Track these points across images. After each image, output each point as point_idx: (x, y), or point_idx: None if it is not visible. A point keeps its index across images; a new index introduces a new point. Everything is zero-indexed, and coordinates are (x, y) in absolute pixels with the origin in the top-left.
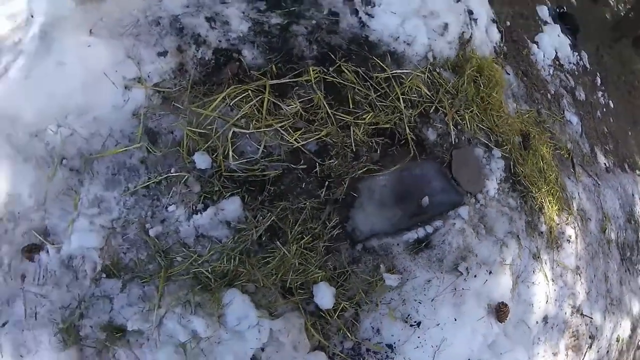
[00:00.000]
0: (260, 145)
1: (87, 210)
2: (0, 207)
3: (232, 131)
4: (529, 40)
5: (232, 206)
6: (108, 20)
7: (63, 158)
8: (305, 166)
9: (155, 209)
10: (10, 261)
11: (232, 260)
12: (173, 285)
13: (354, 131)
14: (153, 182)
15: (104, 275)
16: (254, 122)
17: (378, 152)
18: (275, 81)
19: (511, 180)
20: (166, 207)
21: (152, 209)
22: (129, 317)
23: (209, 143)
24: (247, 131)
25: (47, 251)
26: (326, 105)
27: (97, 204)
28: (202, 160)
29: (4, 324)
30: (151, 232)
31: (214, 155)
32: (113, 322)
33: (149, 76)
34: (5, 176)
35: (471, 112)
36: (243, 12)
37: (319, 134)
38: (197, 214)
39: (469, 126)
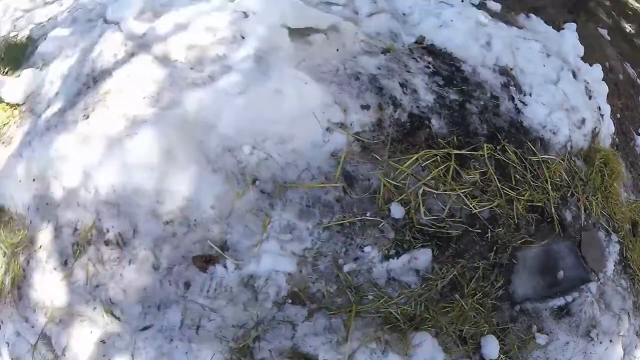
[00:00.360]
0: (445, 206)
1: (278, 234)
2: (174, 209)
3: (422, 189)
4: (634, 132)
5: (424, 257)
6: (309, 63)
7: (256, 179)
8: (479, 231)
9: (348, 247)
10: (171, 265)
11: (419, 306)
12: (361, 321)
13: (515, 206)
14: (348, 222)
15: (289, 301)
16: (440, 184)
17: (533, 226)
18: (457, 151)
19: (623, 264)
20: (361, 247)
21: (345, 246)
22: (317, 347)
23: (403, 196)
24: (436, 192)
25: (225, 266)
26: (496, 180)
27: (289, 230)
28: (397, 211)
29: (145, 328)
30: (345, 268)
31: (407, 208)
32: (298, 349)
33: (351, 124)
34: (188, 181)
35: (596, 199)
36: (426, 84)
37: (491, 204)
38: (391, 258)
39: (594, 211)
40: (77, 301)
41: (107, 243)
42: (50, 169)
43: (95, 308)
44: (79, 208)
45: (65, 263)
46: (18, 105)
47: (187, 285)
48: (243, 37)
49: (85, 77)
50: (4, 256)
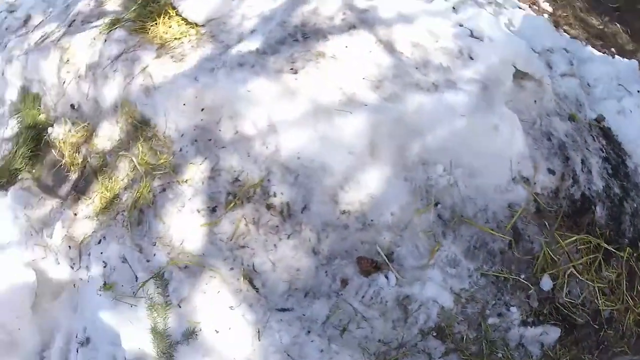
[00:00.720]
0: (582, 294)
1: (444, 265)
2: (354, 202)
3: (570, 270)
4: None
5: (553, 334)
6: (514, 106)
7: (438, 202)
8: (597, 327)
9: (497, 301)
10: (332, 256)
11: None
12: None
13: (629, 315)
14: (504, 276)
15: (434, 334)
16: (585, 272)
17: (634, 339)
18: (606, 245)
19: None
20: (507, 306)
21: (495, 299)
22: None
23: (554, 271)
24: (579, 277)
25: (387, 277)
26: (624, 284)
27: (454, 265)
28: (546, 283)
29: (284, 309)
30: (489, 320)
31: (554, 283)
32: None
33: (535, 183)
34: (379, 179)
35: None
36: (599, 168)
37: (614, 306)
38: (528, 325)
39: None
40: (214, 254)
41: (269, 207)
42: (229, 106)
43: (232, 269)
44: (248, 159)
45: (213, 210)
46: (196, 25)
47: (345, 282)
48: (472, 58)
49: (293, 28)
50: (131, 170)
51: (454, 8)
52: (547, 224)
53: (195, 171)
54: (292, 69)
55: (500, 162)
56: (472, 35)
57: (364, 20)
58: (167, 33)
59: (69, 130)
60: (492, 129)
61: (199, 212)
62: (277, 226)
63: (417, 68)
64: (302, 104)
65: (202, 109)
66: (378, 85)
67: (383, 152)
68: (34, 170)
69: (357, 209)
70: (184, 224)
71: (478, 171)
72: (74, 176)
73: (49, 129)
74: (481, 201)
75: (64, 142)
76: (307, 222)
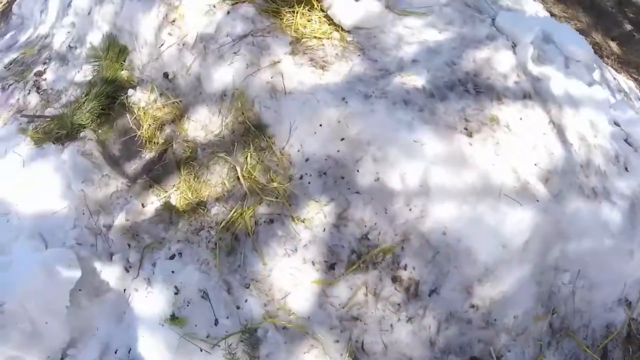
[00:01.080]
0: None
1: None
2: (486, 297)
3: None
4: None
5: None
6: None
7: (554, 312)
8: None
9: None
10: (447, 350)
11: None
12: None
13: None
14: None
15: None
16: None
17: None
18: None
19: None
20: None
21: None
22: None
23: None
24: None
25: None
26: None
27: None
28: None
29: None
30: None
31: None
32: None
33: (634, 308)
34: (516, 277)
35: None
36: None
37: None
38: None
39: None
40: (321, 320)
41: (395, 280)
42: (378, 147)
43: (338, 342)
44: (384, 216)
45: (331, 267)
46: (341, 29)
47: None
48: (627, 170)
49: (464, 75)
50: (230, 181)
51: (610, 102)
52: (631, 350)
53: (317, 211)
54: (466, 128)
55: (617, 283)
56: (627, 141)
57: (537, 91)
58: (305, 27)
59: (154, 100)
60: (628, 253)
61: (313, 264)
62: (399, 304)
63: (582, 167)
64: (470, 175)
65: (343, 139)
66: (547, 177)
67: (532, 251)
68: (100, 131)
69: (486, 305)
70: (291, 274)
71: (596, 286)
72: (148, 155)
73: (130, 91)
74: (587, 316)
75: (144, 112)
76: (432, 307)
